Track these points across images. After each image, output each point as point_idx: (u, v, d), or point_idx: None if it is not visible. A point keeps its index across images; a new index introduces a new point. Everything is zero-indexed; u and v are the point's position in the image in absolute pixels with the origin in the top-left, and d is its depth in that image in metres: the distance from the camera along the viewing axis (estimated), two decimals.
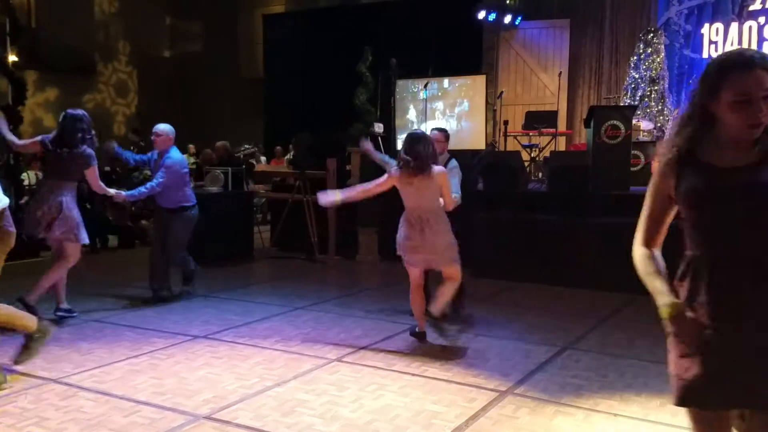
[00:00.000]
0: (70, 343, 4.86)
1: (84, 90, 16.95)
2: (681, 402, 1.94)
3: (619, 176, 7.89)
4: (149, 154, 6.24)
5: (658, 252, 2.17)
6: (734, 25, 11.11)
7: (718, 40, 11.28)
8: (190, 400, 3.75)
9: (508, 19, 12.39)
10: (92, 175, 5.41)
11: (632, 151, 8.36)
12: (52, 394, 3.83)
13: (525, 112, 11.16)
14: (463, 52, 12.48)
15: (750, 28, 11.03)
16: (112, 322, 5.44)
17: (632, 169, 8.35)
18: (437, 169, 4.63)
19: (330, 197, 4.75)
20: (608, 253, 6.76)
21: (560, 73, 10.97)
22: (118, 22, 17.51)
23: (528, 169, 9.76)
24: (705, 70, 1.93)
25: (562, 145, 11.29)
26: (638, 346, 4.86)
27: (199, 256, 6.91)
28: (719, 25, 11.25)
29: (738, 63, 1.83)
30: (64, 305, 5.59)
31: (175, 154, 6.05)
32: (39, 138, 5.49)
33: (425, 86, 11.28)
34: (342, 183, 8.82)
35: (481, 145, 11.46)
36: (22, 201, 9.27)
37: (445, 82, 12.00)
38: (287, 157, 12.73)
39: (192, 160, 12.62)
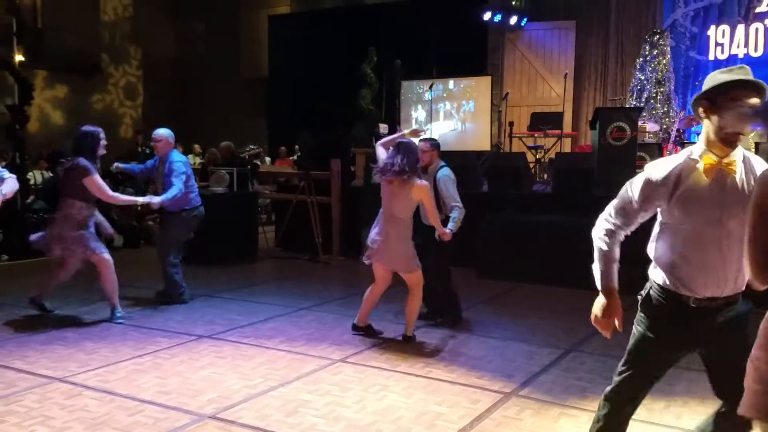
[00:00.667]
0: (75, 342, 4.87)
1: (92, 90, 17.03)
2: None
3: (624, 178, 7.72)
4: (151, 161, 6.26)
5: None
6: (740, 27, 11.08)
7: (725, 42, 11.25)
8: (194, 399, 3.76)
9: (513, 20, 12.39)
10: (92, 185, 5.20)
11: (638, 153, 8.35)
12: (57, 393, 3.84)
13: (530, 114, 11.15)
14: (468, 54, 12.47)
15: (756, 30, 11.00)
16: (117, 322, 5.45)
17: (638, 171, 8.32)
18: (419, 183, 4.60)
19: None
20: None
21: (566, 75, 10.96)
22: (122, 22, 17.57)
23: (533, 170, 9.75)
24: None
25: (567, 146, 11.27)
26: None
27: (204, 256, 6.95)
28: (725, 27, 11.23)
29: None
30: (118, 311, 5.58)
31: (177, 157, 6.01)
32: None
33: (430, 87, 11.28)
34: (346, 184, 8.84)
35: (486, 146, 11.45)
36: (29, 200, 9.31)
37: (450, 83, 12.00)
38: (294, 158, 12.75)
39: (198, 160, 12.66)
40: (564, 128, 10.66)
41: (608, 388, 2.57)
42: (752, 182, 2.24)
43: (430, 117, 11.46)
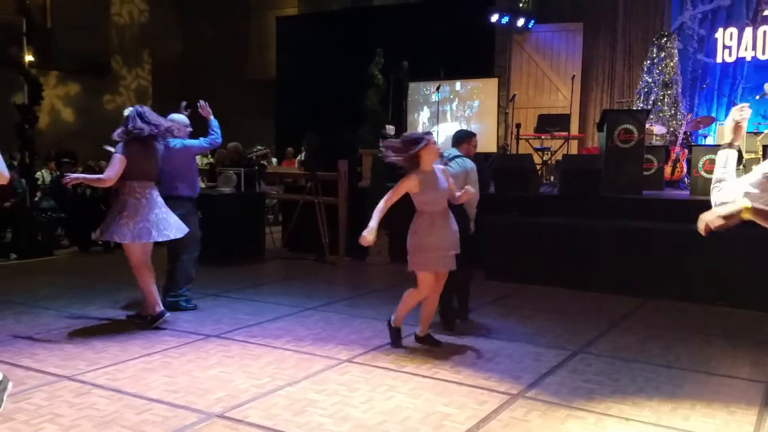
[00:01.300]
0: (84, 341, 4.90)
1: (104, 90, 17.15)
2: None
3: (631, 180, 7.88)
4: None
5: None
6: (748, 30, 11.06)
7: (732, 44, 11.23)
8: (202, 398, 3.78)
9: (520, 22, 12.39)
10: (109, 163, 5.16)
11: (645, 156, 8.35)
12: (65, 391, 3.86)
13: (537, 115, 11.14)
14: (476, 55, 12.49)
15: (764, 33, 10.98)
16: (126, 321, 5.47)
17: (645, 173, 8.33)
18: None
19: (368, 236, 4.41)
20: (620, 256, 6.76)
21: (573, 77, 10.95)
22: (131, 24, 17.67)
23: (540, 172, 9.75)
24: None
25: (574, 148, 11.26)
26: (650, 350, 4.85)
27: (211, 256, 6.96)
28: (733, 30, 11.20)
29: None
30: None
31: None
32: None
33: (437, 89, 11.30)
34: (353, 185, 8.85)
35: (492, 148, 11.46)
36: (36, 198, 9.37)
37: (457, 84, 12.01)
38: (299, 158, 12.78)
39: (205, 160, 12.69)
40: (571, 130, 10.65)
41: None
42: None
43: (437, 118, 11.46)
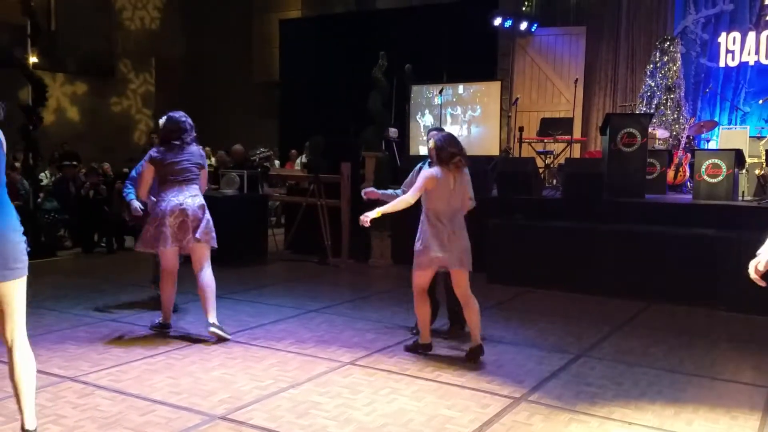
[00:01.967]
0: (87, 342, 4.91)
1: (111, 93, 17.25)
2: None
3: (634, 184, 7.87)
4: None
5: None
6: (751, 35, 11.05)
7: (735, 49, 11.22)
8: (205, 400, 3.79)
9: (524, 25, 12.40)
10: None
11: (648, 159, 8.35)
12: (69, 392, 3.87)
13: (540, 119, 11.14)
14: (479, 58, 12.49)
15: None
16: (129, 322, 5.49)
17: (647, 177, 8.33)
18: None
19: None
20: (622, 260, 6.76)
21: (576, 80, 10.96)
22: (142, 29, 17.75)
23: (542, 175, 9.75)
24: None
25: (576, 152, 11.26)
26: (652, 354, 4.85)
27: (214, 258, 6.94)
28: (736, 34, 11.20)
29: None
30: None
31: None
32: None
33: (440, 92, 11.30)
34: (356, 187, 8.85)
35: (495, 151, 11.45)
36: (39, 200, 9.39)
37: (460, 88, 12.01)
38: (299, 160, 12.79)
39: (208, 162, 12.71)
40: (574, 134, 10.65)
41: None
42: None
43: (440, 121, 11.46)
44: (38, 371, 4.16)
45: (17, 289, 3.01)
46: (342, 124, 11.17)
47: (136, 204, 5.61)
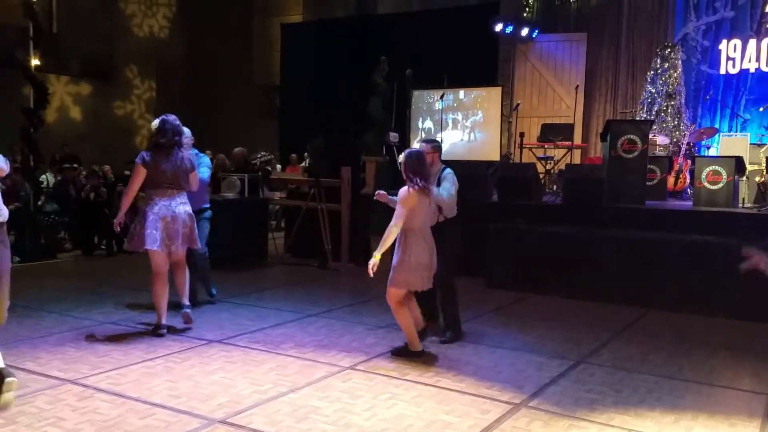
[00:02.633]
0: (87, 344, 4.91)
1: (115, 96, 17.31)
2: None
3: (634, 190, 7.89)
4: None
5: None
6: (752, 42, 11.09)
7: (736, 56, 11.26)
8: (204, 403, 3.78)
9: (525, 31, 12.44)
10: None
11: (648, 166, 8.36)
12: (69, 395, 3.87)
13: (540, 125, 11.17)
14: (479, 64, 12.53)
15: None
16: (128, 325, 5.49)
17: (648, 183, 8.34)
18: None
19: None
20: (622, 266, 6.76)
21: (577, 87, 10.98)
22: (142, 33, 17.80)
23: (543, 181, 9.76)
24: None
25: (577, 158, 11.29)
26: (651, 360, 4.85)
27: (214, 261, 6.96)
28: (737, 42, 11.23)
29: None
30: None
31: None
32: None
33: (441, 97, 11.32)
34: (356, 191, 8.87)
35: (495, 156, 11.48)
36: (40, 202, 9.39)
37: (461, 93, 12.04)
38: (303, 164, 12.80)
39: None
40: (574, 140, 10.68)
41: None
42: None
43: (441, 126, 11.49)
44: (38, 374, 4.21)
45: None
46: (342, 128, 11.19)
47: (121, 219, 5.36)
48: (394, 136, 10.78)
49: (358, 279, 8.14)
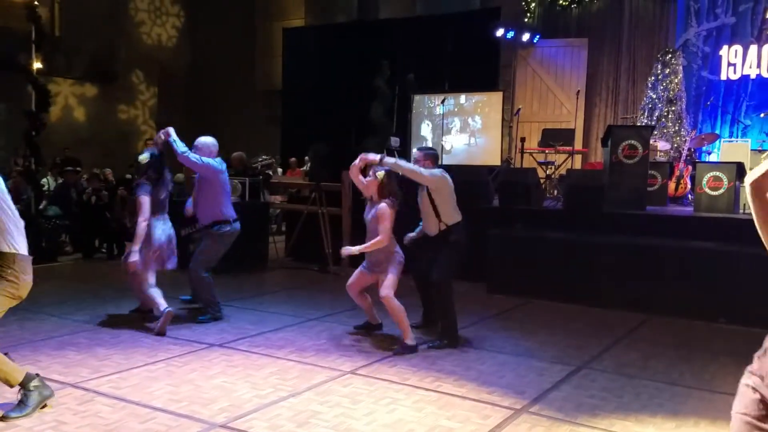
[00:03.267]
0: (88, 348, 4.90)
1: (120, 100, 17.36)
2: None
3: (635, 196, 7.89)
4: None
5: None
6: (753, 48, 11.11)
7: (737, 62, 11.28)
8: (205, 408, 3.78)
9: (526, 37, 12.46)
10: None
11: (649, 171, 8.37)
12: (69, 399, 3.86)
13: (541, 130, 11.18)
14: (481, 69, 12.52)
15: None
16: (129, 329, 5.48)
17: (648, 189, 8.35)
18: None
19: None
20: (623, 272, 6.76)
21: (578, 92, 10.99)
22: (150, 41, 17.86)
23: (543, 186, 9.77)
24: None
25: (578, 163, 11.29)
26: (653, 367, 4.84)
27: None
28: (738, 48, 11.25)
29: None
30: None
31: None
32: None
33: (442, 101, 11.32)
34: (357, 196, 8.87)
35: (496, 161, 11.48)
36: (41, 206, 9.40)
37: (462, 97, 12.04)
38: (304, 168, 12.81)
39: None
40: (575, 145, 10.68)
41: None
42: None
43: (441, 131, 11.50)
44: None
45: None
46: (344, 133, 11.20)
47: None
48: (395, 141, 10.78)
49: None
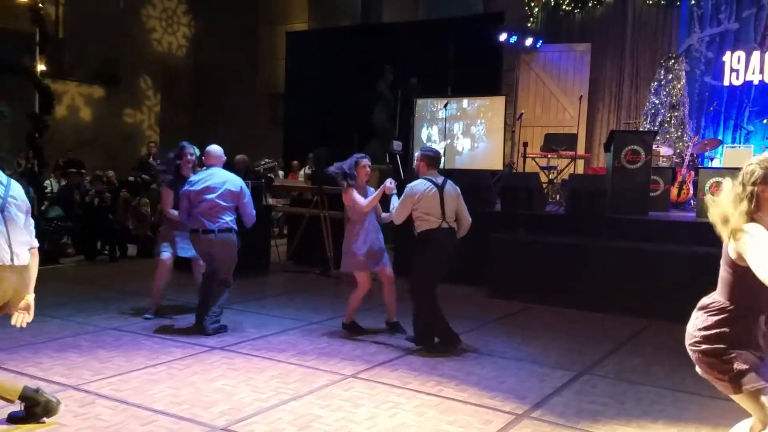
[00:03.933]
0: (89, 350, 4.91)
1: (125, 104, 17.42)
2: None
3: (637, 201, 7.87)
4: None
5: None
6: (756, 54, 11.09)
7: (740, 68, 11.26)
8: (206, 411, 3.78)
9: (529, 41, 12.47)
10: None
11: (651, 177, 8.36)
12: (70, 401, 3.86)
13: (544, 134, 11.18)
14: (483, 73, 12.55)
15: None
16: (131, 331, 5.49)
17: (651, 194, 8.33)
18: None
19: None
20: (625, 277, 6.74)
21: (581, 97, 10.99)
22: (141, 34, 17.90)
23: (546, 191, 9.76)
24: None
25: (580, 168, 11.29)
26: (654, 372, 4.83)
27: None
28: (741, 53, 11.24)
29: None
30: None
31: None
32: None
33: (445, 106, 11.34)
34: None
35: (498, 165, 11.48)
36: (43, 207, 9.41)
37: (465, 102, 12.05)
38: (303, 171, 12.82)
39: None
40: (577, 150, 10.68)
41: None
42: None
43: (444, 135, 11.51)
44: (40, 379, 4.20)
45: None
46: (346, 136, 11.21)
47: None
48: (398, 145, 10.80)
49: None
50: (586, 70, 12.53)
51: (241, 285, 7.63)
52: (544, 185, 9.78)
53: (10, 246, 3.27)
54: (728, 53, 11.37)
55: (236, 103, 17.22)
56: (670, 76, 11.02)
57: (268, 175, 10.99)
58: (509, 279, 7.28)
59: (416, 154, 5.53)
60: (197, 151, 6.07)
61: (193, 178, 5.62)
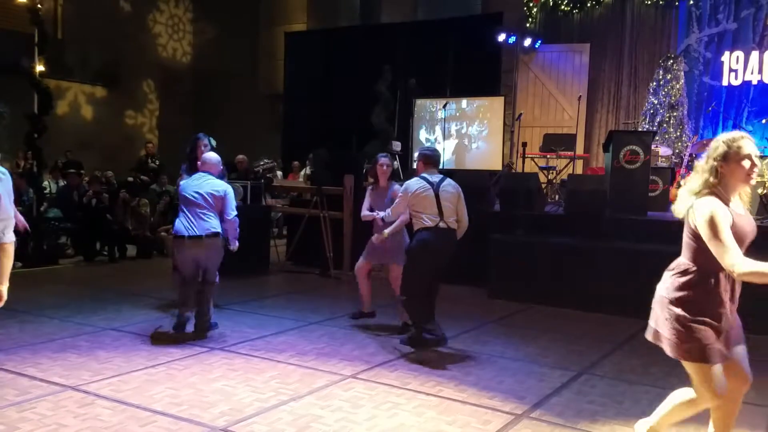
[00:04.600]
0: (88, 351, 4.91)
1: (127, 105, 17.43)
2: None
3: (636, 201, 7.88)
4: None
5: None
6: (755, 54, 11.12)
7: (738, 68, 11.28)
8: (206, 411, 3.78)
9: (527, 42, 12.49)
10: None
11: (650, 177, 8.36)
12: (70, 402, 3.87)
13: (543, 135, 11.19)
14: (482, 74, 12.55)
15: None
16: (130, 332, 5.49)
17: (650, 194, 8.34)
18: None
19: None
20: (624, 277, 6.74)
21: (579, 97, 11.00)
22: (140, 35, 17.91)
23: (545, 191, 9.77)
24: None
25: (579, 168, 11.30)
26: (653, 373, 4.83)
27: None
28: (739, 53, 11.26)
29: None
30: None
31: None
32: None
33: (444, 106, 11.34)
34: (358, 200, 8.87)
35: (497, 166, 11.48)
36: (42, 208, 9.41)
37: (464, 102, 12.05)
38: (303, 172, 12.82)
39: None
40: (576, 150, 10.69)
41: None
42: None
43: (443, 135, 11.51)
44: (39, 379, 4.21)
45: None
46: (345, 137, 11.21)
47: None
48: (397, 145, 10.80)
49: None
50: (585, 70, 12.56)
51: (241, 285, 7.66)
52: (543, 185, 9.79)
53: None
54: (727, 53, 11.40)
55: (235, 104, 17.24)
56: (669, 77, 11.04)
57: (268, 175, 10.99)
58: (508, 279, 7.29)
59: (417, 154, 5.61)
60: (213, 142, 6.04)
61: (183, 183, 5.58)
